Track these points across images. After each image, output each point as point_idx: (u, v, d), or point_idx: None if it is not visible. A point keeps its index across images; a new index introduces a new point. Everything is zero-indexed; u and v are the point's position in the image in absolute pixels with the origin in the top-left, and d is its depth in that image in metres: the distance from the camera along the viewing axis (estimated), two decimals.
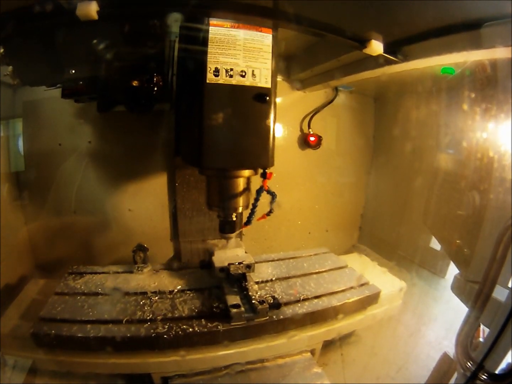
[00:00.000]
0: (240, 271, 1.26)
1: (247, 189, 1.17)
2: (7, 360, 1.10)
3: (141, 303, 1.22)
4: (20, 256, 1.58)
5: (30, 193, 1.66)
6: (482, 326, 1.01)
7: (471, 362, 0.92)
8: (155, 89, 1.16)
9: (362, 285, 1.43)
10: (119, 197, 1.69)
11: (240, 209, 1.19)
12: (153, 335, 1.08)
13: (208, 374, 1.16)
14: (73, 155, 1.63)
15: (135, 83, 1.14)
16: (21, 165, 1.65)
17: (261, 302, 1.16)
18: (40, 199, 1.64)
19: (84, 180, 1.64)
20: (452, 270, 1.60)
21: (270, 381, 1.17)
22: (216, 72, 0.99)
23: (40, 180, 1.65)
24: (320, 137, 1.93)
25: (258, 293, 1.23)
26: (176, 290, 1.31)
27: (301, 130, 1.94)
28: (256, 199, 1.19)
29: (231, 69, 1.00)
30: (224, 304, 1.18)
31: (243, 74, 1.01)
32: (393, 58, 1.15)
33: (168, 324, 1.12)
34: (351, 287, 1.40)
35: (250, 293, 1.21)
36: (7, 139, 1.64)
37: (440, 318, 1.48)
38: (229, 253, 1.37)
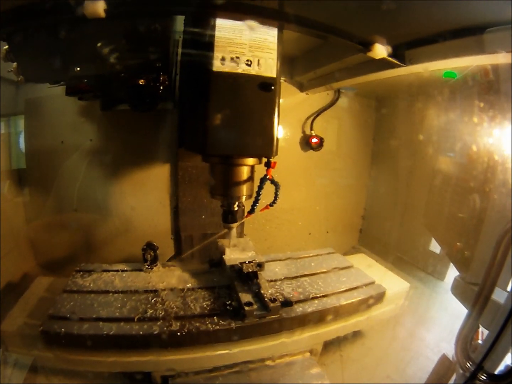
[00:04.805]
0: (251, 270, 1.27)
1: (250, 178, 1.18)
2: (8, 357, 1.10)
3: (153, 301, 1.22)
4: (21, 253, 1.57)
5: (32, 190, 1.66)
6: (480, 329, 1.02)
7: (471, 363, 0.93)
8: (161, 87, 1.16)
9: (368, 284, 1.44)
10: (121, 195, 1.69)
11: (243, 198, 1.19)
12: (166, 333, 1.08)
13: (207, 373, 1.16)
14: (76, 153, 1.63)
15: (141, 81, 1.14)
16: (22, 163, 1.64)
17: (273, 300, 1.16)
18: (42, 196, 1.64)
19: (86, 178, 1.64)
20: (451, 274, 1.61)
21: (270, 381, 1.17)
22: (223, 60, 1.00)
23: (42, 178, 1.65)
24: (322, 138, 1.94)
25: (270, 291, 1.23)
26: (186, 288, 1.31)
27: (303, 131, 1.95)
28: (260, 187, 1.19)
29: (237, 58, 1.01)
30: (236, 302, 1.18)
31: (249, 63, 1.03)
32: (397, 61, 1.16)
33: (181, 322, 1.12)
34: (358, 286, 1.41)
35: (262, 291, 1.21)
36: (9, 136, 1.64)
37: (439, 321, 1.49)
38: (239, 252, 1.38)
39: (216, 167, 1.18)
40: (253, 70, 1.03)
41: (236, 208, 1.22)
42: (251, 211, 1.25)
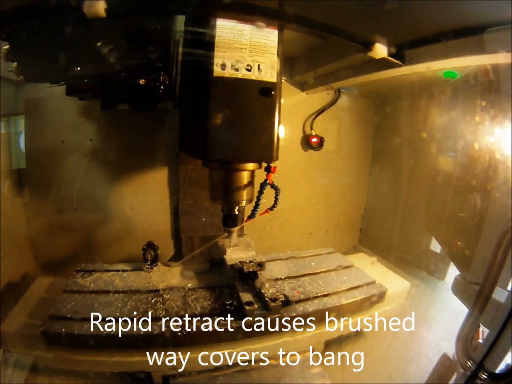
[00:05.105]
0: (252, 269, 1.27)
1: (251, 183, 1.18)
2: (9, 358, 1.10)
3: (153, 301, 1.22)
4: (21, 253, 1.57)
5: (32, 190, 1.66)
6: (481, 328, 1.02)
7: (471, 362, 0.93)
8: (161, 87, 1.16)
9: (369, 283, 1.44)
10: (121, 195, 1.69)
11: (243, 203, 1.19)
12: (167, 332, 1.08)
13: (209, 373, 1.17)
14: (76, 153, 1.63)
15: (142, 81, 1.14)
16: (22, 163, 1.64)
17: (273, 299, 1.17)
18: (42, 196, 1.64)
19: (86, 178, 1.64)
20: (451, 273, 1.61)
21: (271, 380, 1.18)
22: (223, 65, 1.00)
23: (42, 178, 1.65)
24: (322, 138, 1.94)
25: (270, 291, 1.23)
26: (187, 288, 1.31)
27: (304, 131, 1.96)
28: (260, 192, 1.20)
29: (238, 63, 1.01)
30: (237, 302, 1.18)
31: (249, 68, 1.02)
32: (397, 61, 1.16)
33: (182, 321, 1.12)
34: (359, 286, 1.41)
35: (262, 291, 1.21)
36: (9, 136, 1.64)
37: (439, 320, 1.49)
38: (240, 252, 1.39)
39: (216, 172, 1.18)
40: (253, 75, 1.03)
41: (236, 212, 1.22)
42: (251, 216, 1.26)
